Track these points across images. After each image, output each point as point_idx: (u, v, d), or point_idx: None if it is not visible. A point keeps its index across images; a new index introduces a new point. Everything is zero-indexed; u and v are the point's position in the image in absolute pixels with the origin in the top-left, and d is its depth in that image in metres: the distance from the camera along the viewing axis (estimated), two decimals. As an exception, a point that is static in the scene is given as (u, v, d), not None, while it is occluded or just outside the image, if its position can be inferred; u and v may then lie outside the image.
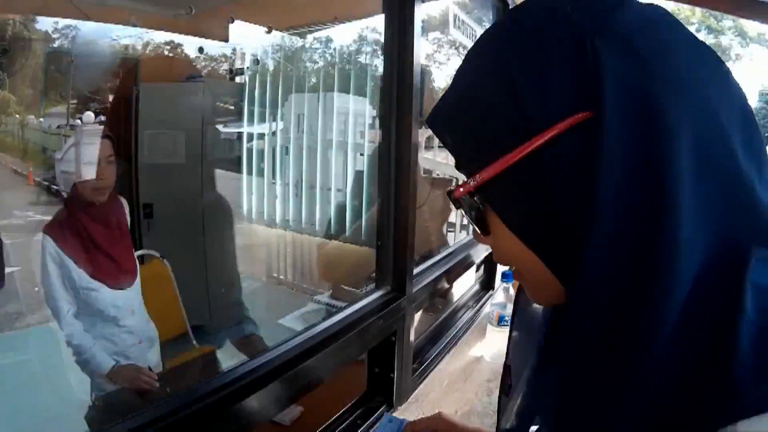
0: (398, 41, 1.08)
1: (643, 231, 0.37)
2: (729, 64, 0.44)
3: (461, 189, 0.45)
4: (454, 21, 1.66)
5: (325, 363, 0.93)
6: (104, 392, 1.53)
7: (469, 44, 1.82)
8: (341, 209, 3.20)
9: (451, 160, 0.49)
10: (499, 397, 0.71)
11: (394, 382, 1.20)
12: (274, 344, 0.90)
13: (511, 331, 0.68)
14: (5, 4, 2.23)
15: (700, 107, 0.38)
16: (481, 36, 0.46)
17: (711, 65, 0.41)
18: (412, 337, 1.23)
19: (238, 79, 3.53)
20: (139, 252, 2.35)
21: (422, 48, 1.12)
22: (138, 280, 1.63)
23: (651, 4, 0.42)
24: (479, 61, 0.45)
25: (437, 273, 1.37)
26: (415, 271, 1.24)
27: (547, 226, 0.42)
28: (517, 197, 0.43)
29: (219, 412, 0.75)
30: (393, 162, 1.10)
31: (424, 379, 1.39)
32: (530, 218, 0.43)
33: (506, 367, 0.73)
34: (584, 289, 0.40)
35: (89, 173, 1.49)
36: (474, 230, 0.49)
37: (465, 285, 2.07)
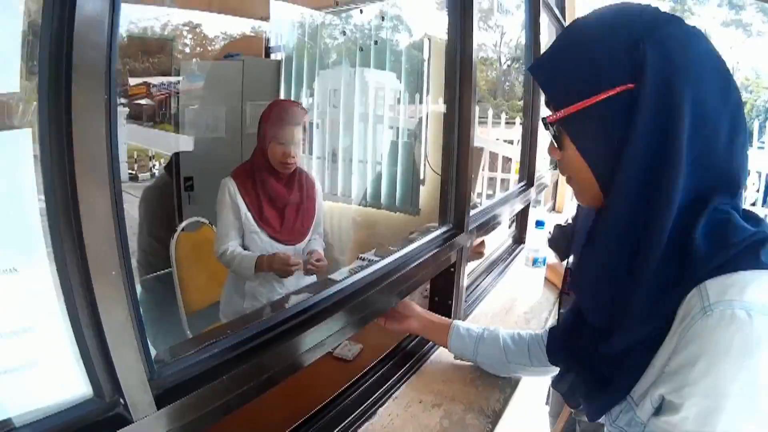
0: (461, 23, 1.30)
1: (660, 170, 0.63)
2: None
3: (550, 117, 0.72)
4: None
5: (412, 278, 1.18)
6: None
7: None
8: (376, 179, 3.37)
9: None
10: (560, 295, 0.97)
11: (452, 309, 1.44)
12: (371, 262, 1.14)
13: (572, 236, 0.93)
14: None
15: (701, 95, 0.62)
16: (577, 20, 0.73)
17: (719, 70, 0.65)
18: (467, 270, 1.48)
19: (274, 57, 3.71)
20: (189, 220, 2.59)
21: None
22: (303, 242, 1.87)
23: (692, 27, 0.66)
24: (573, 38, 0.71)
25: (487, 217, 1.61)
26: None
27: (600, 152, 0.69)
28: (584, 129, 0.69)
29: (328, 312, 0.96)
30: (456, 125, 1.33)
31: (472, 309, 1.64)
32: (591, 145, 0.70)
33: (567, 270, 0.99)
34: (615, 199, 0.67)
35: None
36: (550, 145, 0.76)
37: (499, 240, 2.32)
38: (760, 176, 6.16)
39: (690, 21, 0.66)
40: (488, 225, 1.63)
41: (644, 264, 0.64)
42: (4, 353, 0.51)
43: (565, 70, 0.70)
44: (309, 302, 0.90)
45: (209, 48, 4.01)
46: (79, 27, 0.42)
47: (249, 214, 1.76)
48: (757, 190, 6.32)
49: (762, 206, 6.01)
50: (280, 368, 0.78)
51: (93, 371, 0.55)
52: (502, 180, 5.43)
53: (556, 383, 0.89)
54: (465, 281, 1.48)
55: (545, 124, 0.74)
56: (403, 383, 1.21)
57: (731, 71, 0.67)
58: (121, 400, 0.57)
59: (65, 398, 0.55)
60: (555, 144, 0.74)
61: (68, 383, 0.56)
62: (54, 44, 0.43)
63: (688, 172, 0.63)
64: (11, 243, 0.48)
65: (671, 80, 0.62)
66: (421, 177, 3.15)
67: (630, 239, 0.66)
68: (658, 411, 0.68)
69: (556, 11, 2.85)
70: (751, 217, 0.67)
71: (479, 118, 5.26)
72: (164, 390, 0.61)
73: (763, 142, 7.03)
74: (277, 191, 1.79)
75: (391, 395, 1.17)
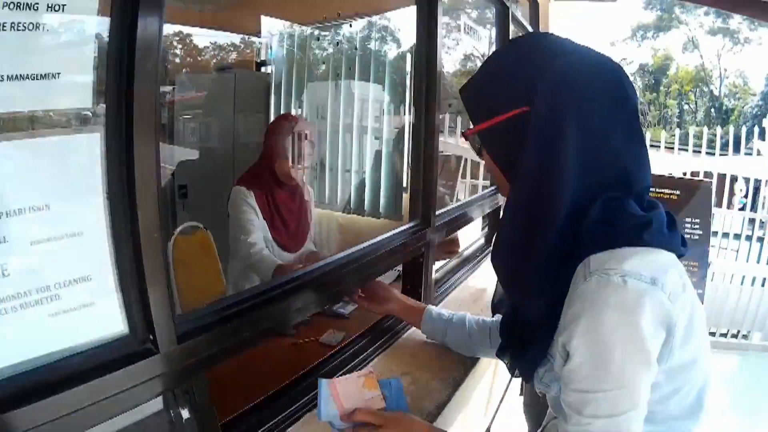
0: (426, 41, 1.51)
1: (548, 172, 0.78)
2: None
3: (468, 131, 0.91)
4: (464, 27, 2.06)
5: (381, 262, 1.39)
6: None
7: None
8: (359, 188, 3.50)
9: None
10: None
11: (422, 296, 1.64)
12: (354, 248, 1.34)
13: None
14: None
15: (587, 113, 0.77)
16: (492, 55, 0.91)
17: (612, 93, 0.79)
18: (442, 266, 1.68)
19: (264, 70, 3.87)
20: (185, 225, 2.73)
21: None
22: (302, 250, 2.03)
23: (595, 57, 0.81)
24: (487, 69, 0.89)
25: (453, 215, 1.82)
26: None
27: (505, 158, 0.86)
28: (493, 140, 0.87)
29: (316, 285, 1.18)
30: (423, 134, 1.54)
31: (444, 297, 1.85)
32: (499, 152, 0.88)
33: None
34: (516, 193, 0.84)
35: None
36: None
37: (472, 238, 2.53)
38: (747, 182, 6.10)
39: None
40: (455, 223, 1.84)
41: (540, 244, 0.79)
42: (68, 296, 0.69)
43: (478, 94, 0.88)
44: (296, 274, 1.09)
45: (201, 61, 4.17)
46: (139, 47, 0.62)
47: (264, 223, 1.92)
48: (745, 196, 6.36)
49: (750, 211, 5.95)
50: (271, 323, 0.98)
51: (131, 313, 0.74)
52: (484, 187, 5.63)
53: (499, 353, 1.03)
54: (433, 271, 1.68)
55: (464, 137, 0.93)
56: (377, 355, 1.41)
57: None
58: (150, 336, 0.76)
59: (107, 334, 0.74)
60: (475, 152, 0.94)
61: (111, 322, 0.74)
62: (117, 74, 0.63)
63: (578, 172, 0.76)
64: (79, 212, 0.68)
65: (557, 106, 0.77)
66: (404, 185, 3.30)
67: (528, 224, 0.80)
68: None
69: (529, 27, 3.05)
70: (650, 205, 0.82)
71: (461, 129, 5.47)
72: (184, 331, 0.80)
73: (751, 149, 7.02)
74: (285, 202, 1.96)
75: (366, 365, 1.35)
